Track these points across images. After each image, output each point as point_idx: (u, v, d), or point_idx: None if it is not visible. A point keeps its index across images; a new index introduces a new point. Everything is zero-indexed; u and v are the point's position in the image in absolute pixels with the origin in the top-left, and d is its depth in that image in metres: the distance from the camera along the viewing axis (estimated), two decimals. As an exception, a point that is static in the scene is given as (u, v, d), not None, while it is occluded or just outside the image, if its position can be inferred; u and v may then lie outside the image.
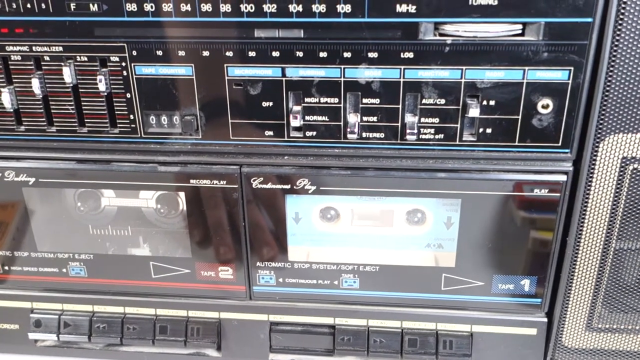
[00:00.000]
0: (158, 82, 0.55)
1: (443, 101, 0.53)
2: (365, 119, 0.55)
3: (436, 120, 0.54)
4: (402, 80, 0.53)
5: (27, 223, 0.64)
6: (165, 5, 0.52)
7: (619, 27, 0.48)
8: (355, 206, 0.61)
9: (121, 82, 0.56)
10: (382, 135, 0.55)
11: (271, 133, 0.56)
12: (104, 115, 0.57)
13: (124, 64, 0.55)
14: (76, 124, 0.58)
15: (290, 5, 0.51)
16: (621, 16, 0.48)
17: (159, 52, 0.54)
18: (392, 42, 0.51)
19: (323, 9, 0.51)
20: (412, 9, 0.50)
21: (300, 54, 0.53)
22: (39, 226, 0.64)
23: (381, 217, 0.61)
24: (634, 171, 0.54)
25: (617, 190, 0.55)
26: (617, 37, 0.49)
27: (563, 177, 0.55)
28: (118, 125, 0.58)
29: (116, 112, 0.57)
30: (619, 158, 0.54)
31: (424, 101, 0.53)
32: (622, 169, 0.54)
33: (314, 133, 0.56)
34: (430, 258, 0.61)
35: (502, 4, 0.49)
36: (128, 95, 0.56)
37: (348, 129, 0.55)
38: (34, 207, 0.63)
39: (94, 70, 0.55)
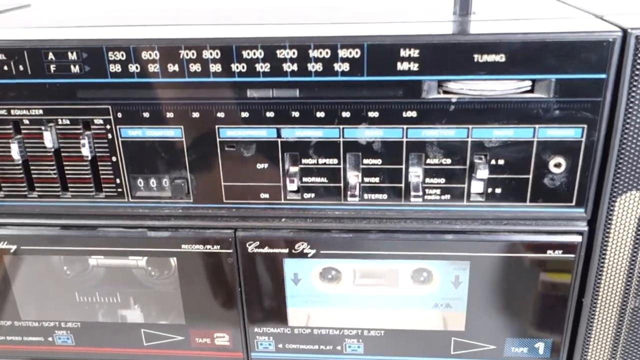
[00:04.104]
0: (145, 144, 0.52)
1: (449, 161, 0.50)
2: (366, 180, 0.52)
3: (442, 180, 0.51)
4: (405, 140, 0.50)
5: (9, 291, 0.60)
6: (151, 66, 0.49)
7: (635, 82, 0.46)
8: (357, 266, 0.57)
9: (106, 145, 0.53)
10: (384, 196, 0.52)
11: (267, 196, 0.53)
12: (88, 180, 0.54)
13: (108, 126, 0.52)
14: (59, 189, 0.55)
15: (284, 64, 0.48)
16: (636, 72, 0.45)
17: (146, 114, 0.51)
18: (394, 101, 0.48)
19: (319, 68, 0.48)
20: (414, 66, 0.47)
21: (296, 114, 0.50)
22: (22, 293, 0.60)
23: (385, 277, 0.58)
24: (652, 228, 0.51)
25: (634, 248, 0.52)
26: (633, 93, 0.46)
27: (578, 238, 0.51)
28: (104, 189, 0.54)
29: (101, 176, 0.54)
30: (636, 216, 0.51)
31: (428, 161, 0.50)
32: (638, 226, 0.51)
33: (313, 195, 0.53)
34: (438, 318, 0.58)
35: (510, 61, 0.46)
36: (114, 159, 0.53)
37: (349, 191, 0.51)
38: (16, 273, 0.59)
39: (77, 134, 0.52)
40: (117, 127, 0.52)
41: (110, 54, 0.49)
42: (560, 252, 0.52)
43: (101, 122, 0.52)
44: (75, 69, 0.50)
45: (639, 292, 0.54)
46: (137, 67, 0.49)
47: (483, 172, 0.49)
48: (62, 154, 0.53)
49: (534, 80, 0.47)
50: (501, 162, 0.50)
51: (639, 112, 0.47)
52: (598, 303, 0.54)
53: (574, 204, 0.50)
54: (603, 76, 0.46)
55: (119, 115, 0.51)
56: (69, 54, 0.49)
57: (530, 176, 0.50)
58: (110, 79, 0.50)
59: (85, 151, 0.52)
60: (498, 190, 0.51)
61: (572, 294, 0.54)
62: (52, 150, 0.53)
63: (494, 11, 0.55)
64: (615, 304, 0.54)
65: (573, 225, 0.52)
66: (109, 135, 0.52)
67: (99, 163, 0.53)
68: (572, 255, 0.52)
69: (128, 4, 0.71)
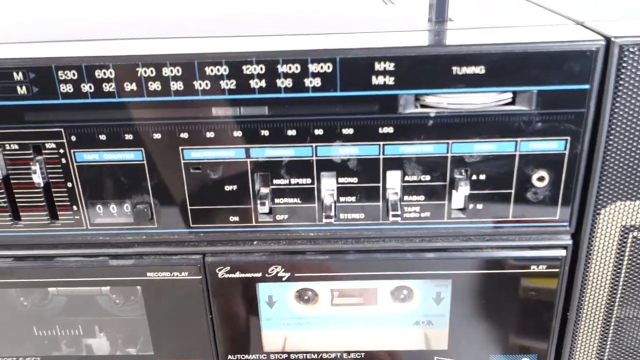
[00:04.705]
0: (103, 169, 0.48)
1: (428, 177, 0.48)
2: (342, 199, 0.49)
3: (421, 197, 0.49)
4: (381, 157, 0.47)
5: (-39, 327, 0.56)
6: (106, 85, 0.45)
7: (619, 92, 0.44)
8: (334, 285, 0.55)
9: (60, 170, 0.49)
10: (362, 215, 0.49)
11: (237, 219, 0.50)
12: (42, 208, 0.50)
13: (61, 150, 0.48)
14: (10, 219, 0.51)
15: (251, 81, 0.45)
16: (620, 81, 0.43)
17: (102, 137, 0.47)
18: (369, 116, 0.46)
19: (289, 84, 0.45)
20: (389, 80, 0.44)
21: (265, 132, 0.47)
22: (-25, 329, 0.56)
23: (364, 296, 0.55)
24: (634, 239, 0.50)
25: (618, 259, 0.50)
26: (617, 103, 0.44)
27: (562, 252, 0.50)
28: (60, 217, 0.51)
29: (57, 204, 0.50)
30: (619, 227, 0.49)
31: (407, 178, 0.48)
32: (622, 237, 0.50)
33: (286, 216, 0.50)
34: (420, 337, 0.56)
35: (490, 73, 0.43)
36: (69, 185, 0.49)
37: (324, 212, 0.49)
38: (-33, 308, 0.55)
39: (27, 159, 0.48)
40: (72, 151, 0.48)
41: (60, 73, 0.45)
42: (545, 266, 0.50)
43: (53, 146, 0.48)
44: (22, 91, 0.46)
45: (623, 302, 0.53)
46: (90, 87, 0.45)
47: (464, 189, 0.46)
48: (12, 181, 0.49)
49: (515, 92, 0.45)
50: (482, 177, 0.47)
51: (623, 122, 0.45)
52: (582, 316, 0.53)
53: (557, 217, 0.49)
54: (586, 87, 0.44)
55: (73, 138, 0.47)
56: (15, 74, 0.45)
57: (513, 191, 0.48)
58: (62, 100, 0.46)
59: (37, 178, 0.48)
60: (479, 206, 0.49)
61: (557, 308, 0.52)
62: (0, 177, 0.49)
63: (471, 18, 0.53)
64: (599, 315, 0.53)
65: (557, 239, 0.50)
66: (63, 160, 0.48)
67: (53, 189, 0.49)
68: (557, 270, 0.50)
69: (79, 15, 0.66)
